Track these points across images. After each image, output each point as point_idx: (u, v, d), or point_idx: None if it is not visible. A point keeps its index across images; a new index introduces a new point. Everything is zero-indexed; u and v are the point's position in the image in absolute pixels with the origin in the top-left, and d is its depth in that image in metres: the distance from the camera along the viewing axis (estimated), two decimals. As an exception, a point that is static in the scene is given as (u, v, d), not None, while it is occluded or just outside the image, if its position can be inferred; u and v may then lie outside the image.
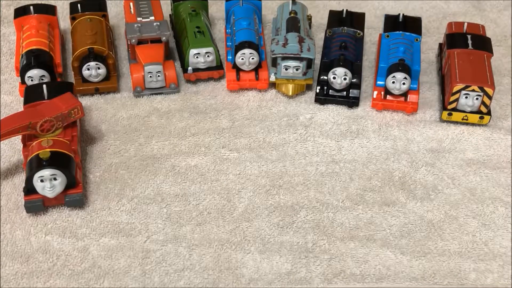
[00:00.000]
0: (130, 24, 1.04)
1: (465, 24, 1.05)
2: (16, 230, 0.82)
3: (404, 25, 1.05)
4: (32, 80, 0.97)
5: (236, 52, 1.00)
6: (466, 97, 0.95)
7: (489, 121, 0.97)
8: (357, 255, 0.80)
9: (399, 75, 0.96)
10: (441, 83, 1.04)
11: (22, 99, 0.93)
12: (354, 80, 1.00)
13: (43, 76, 0.97)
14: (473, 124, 0.98)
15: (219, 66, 1.04)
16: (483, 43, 1.01)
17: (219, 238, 0.82)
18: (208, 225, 0.84)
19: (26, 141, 0.86)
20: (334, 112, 1.00)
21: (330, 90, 1.00)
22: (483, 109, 0.96)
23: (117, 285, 0.77)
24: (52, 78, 0.98)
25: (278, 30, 1.04)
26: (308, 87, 1.04)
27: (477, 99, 0.95)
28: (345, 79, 0.98)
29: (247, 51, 1.00)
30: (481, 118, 0.96)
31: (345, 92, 1.00)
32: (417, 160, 0.93)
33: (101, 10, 1.08)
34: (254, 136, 0.96)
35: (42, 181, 0.80)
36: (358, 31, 1.07)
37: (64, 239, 0.81)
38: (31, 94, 0.91)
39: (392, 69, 0.97)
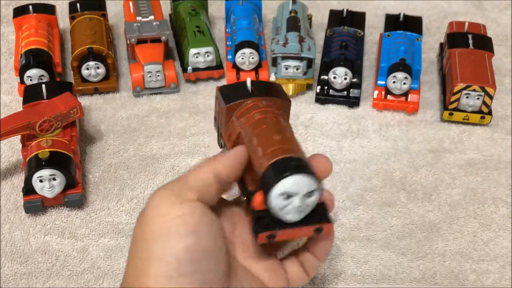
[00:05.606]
0: (130, 23, 1.03)
1: (466, 24, 1.04)
2: (15, 230, 0.82)
3: (405, 25, 1.05)
4: (31, 80, 0.97)
5: (236, 52, 1.00)
6: (467, 97, 0.94)
7: (490, 121, 0.96)
8: (357, 255, 0.80)
9: (400, 75, 0.96)
10: (442, 83, 1.04)
11: (21, 98, 0.93)
12: (355, 79, 0.99)
13: (42, 75, 0.97)
14: (474, 124, 0.97)
15: (219, 66, 1.04)
16: (484, 43, 1.01)
17: (219, 239, 0.82)
18: (208, 225, 0.83)
19: (25, 141, 0.86)
20: (334, 112, 1.00)
21: (330, 90, 1.00)
22: (484, 109, 0.96)
23: (116, 285, 0.76)
24: (51, 77, 0.98)
25: (278, 29, 1.04)
26: (309, 87, 1.03)
27: (478, 99, 0.94)
28: (345, 78, 0.98)
29: (247, 50, 0.99)
30: (482, 118, 0.96)
31: (345, 92, 1.00)
32: (418, 160, 0.92)
33: (101, 10, 1.08)
34: (254, 136, 0.96)
35: (41, 181, 0.80)
36: (359, 30, 1.07)
37: (63, 240, 0.81)
38: (30, 94, 0.90)
39: (393, 68, 0.96)
